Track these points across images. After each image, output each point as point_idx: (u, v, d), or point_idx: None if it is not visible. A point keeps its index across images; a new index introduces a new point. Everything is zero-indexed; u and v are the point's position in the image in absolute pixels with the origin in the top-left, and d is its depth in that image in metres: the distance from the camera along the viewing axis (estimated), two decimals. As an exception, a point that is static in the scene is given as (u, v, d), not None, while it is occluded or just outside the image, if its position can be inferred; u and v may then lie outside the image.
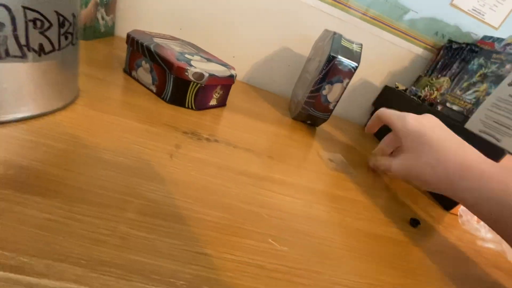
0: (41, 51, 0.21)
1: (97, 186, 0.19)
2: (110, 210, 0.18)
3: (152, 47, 0.35)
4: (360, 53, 0.43)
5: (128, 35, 0.37)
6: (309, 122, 0.50)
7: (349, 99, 0.65)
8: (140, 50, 0.36)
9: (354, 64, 0.42)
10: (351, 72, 0.42)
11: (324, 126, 0.53)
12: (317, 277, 0.20)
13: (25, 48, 0.20)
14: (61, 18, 0.22)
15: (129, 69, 0.39)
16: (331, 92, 0.44)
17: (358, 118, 0.69)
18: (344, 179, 0.36)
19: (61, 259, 0.14)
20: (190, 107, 0.37)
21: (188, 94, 0.36)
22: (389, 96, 0.62)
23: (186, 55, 0.37)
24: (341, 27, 0.57)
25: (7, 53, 0.19)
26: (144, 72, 0.37)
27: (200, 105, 0.37)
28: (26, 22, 0.19)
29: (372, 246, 0.26)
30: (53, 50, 0.22)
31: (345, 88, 0.44)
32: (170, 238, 0.18)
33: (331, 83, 0.43)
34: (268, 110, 0.50)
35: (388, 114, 0.36)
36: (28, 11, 0.19)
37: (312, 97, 0.45)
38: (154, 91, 0.37)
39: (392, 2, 0.56)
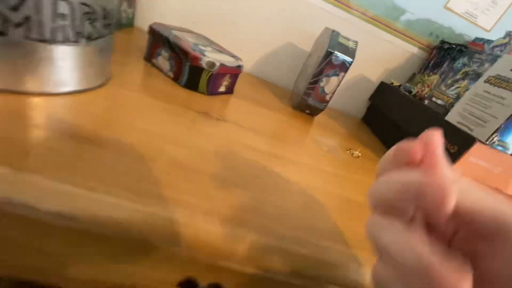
0: (89, 38, 0.26)
1: (130, 143, 0.25)
2: (145, 159, 0.23)
3: (171, 38, 0.40)
4: (355, 49, 0.48)
5: (151, 27, 0.42)
6: (307, 111, 0.55)
7: (346, 93, 0.70)
8: (160, 40, 0.41)
9: (349, 59, 0.47)
10: (346, 67, 0.47)
11: (322, 117, 0.58)
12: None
13: (79, 35, 0.25)
14: (105, 12, 0.27)
15: (149, 57, 0.44)
16: (328, 84, 0.49)
17: (355, 111, 0.73)
18: (333, 159, 0.41)
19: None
20: (202, 91, 0.42)
21: (201, 80, 0.41)
22: (384, 92, 0.66)
23: (200, 46, 0.43)
24: (342, 26, 0.61)
25: (66, 38, 0.24)
26: (163, 60, 0.42)
27: (211, 90, 0.43)
28: (82, 15, 0.24)
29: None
30: (98, 37, 0.27)
31: (340, 81, 0.49)
32: (190, 183, 0.23)
33: (328, 76, 0.48)
34: (271, 99, 0.55)
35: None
36: (83, 6, 0.24)
37: (311, 88, 0.50)
38: (172, 76, 0.42)
39: (390, 4, 0.60)
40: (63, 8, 0.23)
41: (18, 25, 0.21)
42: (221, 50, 0.46)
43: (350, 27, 0.62)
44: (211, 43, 0.49)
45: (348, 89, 0.69)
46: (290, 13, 0.60)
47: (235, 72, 0.45)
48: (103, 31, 0.28)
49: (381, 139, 0.60)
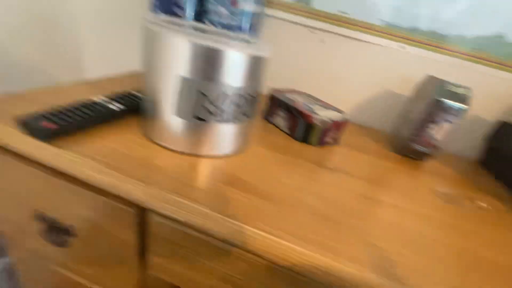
0: (247, 116, 0.36)
1: (279, 194, 0.32)
2: (294, 208, 0.30)
3: (286, 101, 0.50)
4: (468, 96, 0.47)
5: (271, 94, 0.53)
6: (415, 156, 0.54)
7: (457, 133, 0.65)
8: (278, 103, 0.51)
9: (462, 106, 0.46)
10: (459, 114, 0.46)
11: (431, 160, 0.56)
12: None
13: (243, 115, 0.35)
14: (257, 96, 0.37)
15: (268, 116, 0.54)
16: (438, 131, 0.49)
17: (467, 152, 0.67)
18: (454, 210, 0.39)
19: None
20: (314, 144, 0.49)
21: (313, 134, 0.48)
22: (509, 133, 0.59)
23: (309, 105, 0.50)
24: (445, 69, 0.61)
25: (236, 119, 0.35)
26: (280, 119, 0.52)
27: (321, 142, 0.49)
28: (248, 101, 0.35)
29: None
30: (251, 115, 0.38)
31: (453, 128, 0.48)
32: (333, 231, 0.28)
33: (438, 123, 0.48)
34: (374, 145, 0.57)
35: None
36: (251, 97, 0.35)
37: (418, 134, 0.50)
38: (288, 133, 0.50)
39: (498, 40, 0.57)
40: (239, 99, 0.33)
41: (214, 114, 0.33)
42: (326, 106, 0.53)
43: (454, 69, 0.61)
44: (316, 100, 0.56)
45: (459, 129, 0.65)
46: (386, 61, 0.63)
47: (342, 125, 0.50)
48: (254, 109, 0.38)
49: (510, 187, 0.53)
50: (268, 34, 0.67)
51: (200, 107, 0.32)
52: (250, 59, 0.31)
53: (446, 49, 0.59)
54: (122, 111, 0.37)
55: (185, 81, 0.30)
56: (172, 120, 0.33)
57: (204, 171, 0.33)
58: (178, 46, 0.29)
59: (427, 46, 0.60)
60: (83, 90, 0.46)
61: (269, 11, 0.64)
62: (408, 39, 0.60)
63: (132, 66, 0.83)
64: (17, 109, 0.35)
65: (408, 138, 0.52)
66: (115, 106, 0.37)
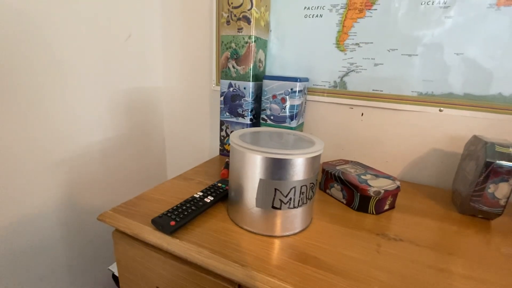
0: (310, 198, 0.45)
1: (346, 270, 0.37)
2: (356, 281, 0.35)
3: (339, 174, 0.57)
4: (521, 154, 0.49)
5: (323, 168, 0.61)
6: (480, 216, 0.54)
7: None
8: (332, 177, 0.59)
9: (516, 165, 0.48)
10: (515, 172, 0.48)
11: (500, 219, 0.55)
12: None
13: (307, 199, 0.44)
14: (316, 182, 0.46)
15: (324, 188, 0.62)
16: (498, 190, 0.50)
17: (548, 203, 0.62)
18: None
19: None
20: (371, 212, 0.53)
21: (369, 204, 0.53)
22: None
23: (362, 176, 0.57)
24: (492, 126, 0.63)
25: (302, 202, 0.43)
26: (336, 191, 0.59)
27: (378, 210, 0.53)
28: (310, 187, 0.44)
29: None
30: (312, 197, 0.46)
31: (513, 185, 0.49)
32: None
33: (495, 183, 0.50)
34: (432, 206, 0.59)
35: None
36: (311, 184, 0.44)
37: (478, 195, 0.51)
38: (345, 203, 0.57)
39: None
40: (304, 188, 0.42)
41: (286, 203, 0.42)
42: (377, 174, 0.59)
43: (502, 125, 0.62)
44: (365, 168, 0.62)
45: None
46: (426, 123, 0.68)
47: (395, 192, 0.55)
48: (314, 192, 0.47)
49: None
50: (312, 115, 0.79)
51: (275, 199, 0.42)
52: (309, 159, 0.41)
53: (484, 107, 0.63)
54: (213, 202, 0.49)
55: (263, 181, 0.41)
56: (253, 210, 0.43)
57: (281, 250, 0.41)
58: (257, 160, 0.41)
59: (464, 107, 0.64)
60: (182, 185, 0.60)
61: (311, 97, 0.77)
62: (444, 103, 0.66)
63: (204, 155, 1.01)
64: (142, 208, 0.50)
65: (469, 197, 0.53)
66: (208, 199, 0.50)
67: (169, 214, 0.44)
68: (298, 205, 0.43)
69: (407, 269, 0.38)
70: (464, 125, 0.65)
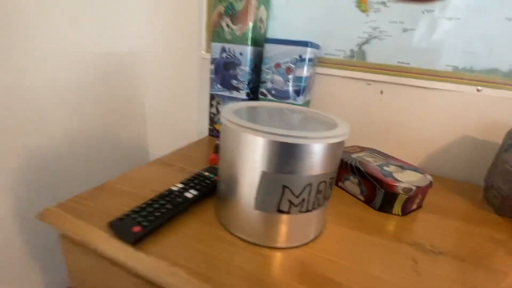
0: (327, 198, 0.33)
1: (364, 284, 0.26)
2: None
3: (357, 164, 0.46)
4: None
5: (336, 157, 0.50)
6: (525, 220, 0.44)
7: None
8: (348, 167, 0.47)
9: None
10: None
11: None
12: None
13: (325, 200, 0.32)
14: (333, 181, 0.34)
15: (336, 181, 0.51)
16: (558, 191, 0.40)
17: None
18: None
19: None
20: (396, 214, 0.43)
21: (396, 203, 0.42)
22: None
23: (385, 168, 0.46)
24: (539, 108, 0.52)
25: (319, 205, 0.32)
26: (351, 184, 0.47)
27: (405, 211, 0.43)
28: (329, 184, 0.32)
29: None
30: (330, 196, 0.34)
31: None
32: None
33: (557, 182, 0.39)
34: (463, 205, 0.49)
35: None
36: (331, 179, 0.32)
37: (529, 195, 0.41)
38: (362, 199, 0.46)
39: None
40: (322, 186, 0.31)
41: (297, 205, 0.30)
42: (402, 165, 0.48)
43: (552, 107, 0.52)
44: (387, 158, 0.51)
45: None
46: (460, 106, 0.57)
47: (426, 190, 0.44)
48: (332, 189, 0.35)
49: None
50: (321, 91, 0.66)
51: (283, 201, 0.30)
52: (332, 146, 0.29)
53: (538, 87, 0.52)
54: (196, 197, 0.37)
55: (266, 175, 0.29)
56: (251, 213, 0.31)
57: (287, 269, 0.30)
58: (259, 144, 0.28)
59: (508, 86, 0.53)
60: (158, 172, 0.48)
61: (321, 70, 0.64)
62: (483, 82, 0.54)
63: (191, 135, 0.88)
64: (100, 204, 0.37)
65: (509, 196, 0.43)
66: (190, 194, 0.37)
67: (133, 216, 0.32)
68: (313, 208, 0.31)
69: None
70: (506, 109, 0.54)
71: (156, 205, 0.34)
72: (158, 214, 0.33)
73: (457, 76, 0.55)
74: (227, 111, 0.33)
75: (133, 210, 0.33)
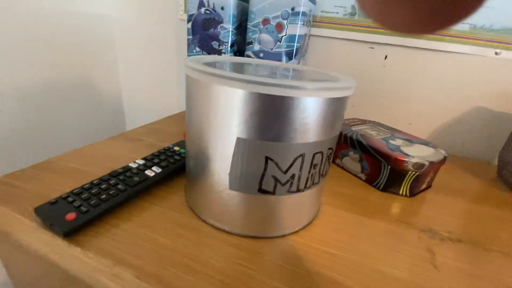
0: (324, 175, 0.26)
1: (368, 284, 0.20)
2: None
3: (359, 137, 0.39)
4: None
5: (333, 129, 0.42)
6: (548, 200, 0.39)
7: None
8: (348, 141, 0.40)
9: None
10: None
11: None
12: None
13: (321, 177, 0.25)
14: (332, 152, 0.27)
15: (334, 157, 0.44)
16: None
17: None
18: None
19: None
20: (403, 194, 0.36)
21: (404, 182, 0.35)
22: None
23: (391, 141, 0.38)
24: None
25: (313, 183, 0.25)
26: (351, 161, 0.40)
27: (413, 191, 0.36)
28: (328, 157, 0.25)
29: None
30: (327, 173, 0.27)
31: None
32: None
33: None
34: (476, 184, 0.42)
35: None
36: (329, 150, 0.24)
37: (558, 172, 0.35)
38: (364, 178, 0.39)
39: None
40: (318, 158, 0.23)
41: (284, 183, 0.23)
42: (409, 138, 0.41)
43: None
44: (391, 131, 0.44)
45: None
46: (475, 73, 0.50)
47: (439, 166, 0.37)
48: (330, 164, 0.28)
49: None
50: (317, 55, 0.58)
51: (266, 177, 0.22)
52: (332, 103, 0.22)
53: None
54: (161, 176, 0.30)
55: (242, 143, 0.21)
56: (226, 194, 0.24)
57: (272, 266, 0.23)
58: (233, 98, 0.20)
59: (535, 47, 0.45)
60: (122, 148, 0.39)
61: (316, 31, 0.55)
62: (504, 43, 0.46)
63: (171, 109, 0.79)
64: (36, 185, 0.29)
65: (538, 175, 0.37)
66: (152, 172, 0.30)
67: (71, 199, 0.24)
68: (305, 187, 0.24)
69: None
70: (529, 74, 0.47)
71: (104, 186, 0.26)
72: (104, 196, 0.25)
73: (473, 36, 0.47)
74: (194, 60, 0.24)
75: (73, 191, 0.25)
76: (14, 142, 0.58)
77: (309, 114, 0.21)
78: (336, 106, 0.22)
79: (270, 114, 0.20)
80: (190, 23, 0.52)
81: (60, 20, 0.61)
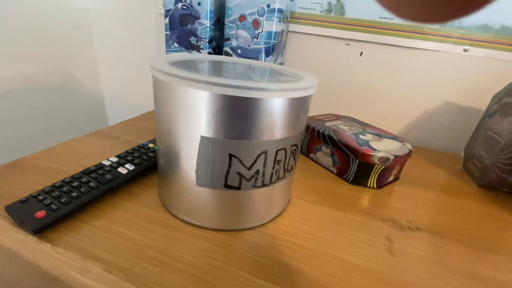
0: (290, 170, 0.28)
1: (335, 275, 0.22)
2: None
3: (331, 133, 0.40)
4: None
5: (308, 125, 0.44)
6: (505, 190, 0.41)
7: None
8: (320, 137, 0.42)
9: None
10: None
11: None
12: None
13: (286, 172, 0.27)
14: (300, 144, 0.28)
15: (306, 152, 0.45)
16: (544, 157, 0.36)
17: None
18: None
19: None
20: (371, 186, 0.38)
21: (371, 175, 0.37)
22: None
23: (361, 136, 0.40)
24: (527, 70, 0.48)
25: (278, 178, 0.26)
26: (323, 155, 0.42)
27: (380, 183, 0.38)
28: (292, 153, 0.26)
29: None
30: (294, 168, 0.29)
31: None
32: None
33: (544, 148, 0.36)
34: (442, 176, 0.45)
35: None
36: (293, 147, 0.26)
37: (511, 164, 0.38)
38: (335, 172, 0.41)
39: None
40: (281, 154, 0.25)
41: (249, 179, 0.24)
42: (379, 133, 0.43)
43: (540, 69, 0.47)
44: (362, 125, 0.46)
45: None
46: (444, 69, 0.52)
47: (406, 159, 0.39)
48: (297, 160, 0.29)
49: None
50: (294, 52, 0.59)
51: (231, 173, 0.23)
52: (294, 103, 0.23)
53: (528, 46, 0.47)
54: (133, 173, 0.30)
55: (206, 141, 0.22)
56: (194, 190, 0.25)
57: (238, 257, 0.24)
58: (198, 100, 0.21)
59: (499, 46, 0.48)
60: (97, 145, 0.40)
61: (294, 27, 0.56)
62: (472, 40, 0.48)
63: (151, 105, 0.78)
64: (8, 183, 0.29)
65: (495, 166, 0.40)
66: (125, 169, 0.30)
67: (41, 197, 0.25)
68: (270, 182, 0.25)
69: (443, 281, 0.24)
70: (494, 72, 0.50)
71: (75, 183, 0.27)
72: (75, 194, 0.26)
73: (444, 33, 0.49)
74: (159, 61, 0.25)
75: (43, 190, 0.26)
76: (-11, 139, 0.57)
77: (271, 113, 0.22)
78: (297, 105, 0.23)
79: (233, 114, 0.21)
80: (167, 19, 0.51)
81: (36, 14, 0.59)
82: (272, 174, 0.25)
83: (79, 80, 0.73)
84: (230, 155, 0.22)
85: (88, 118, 0.79)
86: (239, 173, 0.23)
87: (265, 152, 0.23)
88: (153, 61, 0.24)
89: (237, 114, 0.21)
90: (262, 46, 0.48)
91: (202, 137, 0.22)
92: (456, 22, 0.48)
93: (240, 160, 0.23)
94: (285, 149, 0.25)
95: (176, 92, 0.22)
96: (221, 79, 0.21)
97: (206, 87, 0.20)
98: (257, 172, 0.24)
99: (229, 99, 0.21)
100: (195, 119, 0.22)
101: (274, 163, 0.24)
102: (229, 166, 0.23)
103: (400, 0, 0.08)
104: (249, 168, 0.23)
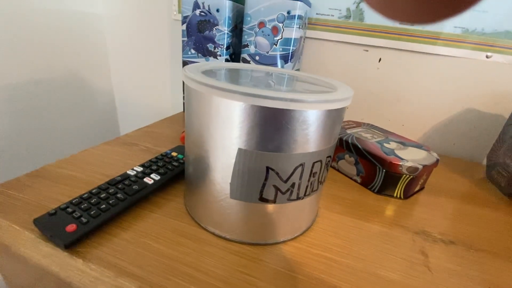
0: (322, 182, 0.27)
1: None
2: None
3: (355, 141, 0.39)
4: None
5: (329, 133, 0.43)
6: (534, 200, 0.40)
7: None
8: (343, 145, 0.41)
9: None
10: None
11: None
12: None
13: (320, 184, 0.26)
14: (330, 160, 0.27)
15: (328, 160, 0.44)
16: None
17: None
18: None
19: None
20: (397, 196, 0.37)
21: (398, 185, 0.36)
22: None
23: (385, 145, 0.39)
24: (552, 77, 0.47)
25: (312, 190, 0.25)
26: (347, 164, 0.41)
27: (407, 193, 0.37)
28: (326, 164, 0.25)
29: None
30: (325, 179, 0.28)
31: None
32: None
33: None
34: (467, 185, 0.44)
35: None
36: (328, 158, 0.25)
37: (544, 173, 0.37)
38: (359, 181, 0.40)
39: None
40: (317, 167, 0.24)
41: (285, 192, 0.23)
42: (403, 141, 0.42)
43: None
44: (385, 133, 0.45)
45: None
46: (466, 75, 0.51)
47: (432, 169, 0.38)
48: (328, 170, 0.28)
49: None
50: (311, 59, 0.58)
51: (267, 186, 0.23)
52: (332, 114, 0.22)
53: (553, 53, 0.46)
54: (159, 183, 0.30)
55: (244, 154, 0.22)
56: (227, 203, 0.24)
57: (272, 273, 0.23)
58: (234, 111, 0.20)
59: (522, 51, 0.47)
60: (117, 153, 0.39)
61: (311, 33, 0.56)
62: (494, 46, 0.48)
63: (165, 111, 0.78)
64: (33, 194, 0.29)
65: (524, 176, 0.38)
66: (151, 179, 0.30)
67: (70, 209, 0.24)
68: (305, 195, 0.25)
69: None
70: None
71: (103, 195, 0.26)
72: (104, 206, 0.25)
73: (465, 39, 0.48)
74: (193, 69, 0.24)
75: (72, 202, 0.25)
76: (2, 146, 0.56)
77: (309, 125, 0.21)
78: (334, 116, 0.23)
79: (271, 126, 0.21)
80: (185, 25, 0.51)
81: (50, 19, 0.59)
82: (307, 187, 0.24)
83: (91, 85, 0.73)
84: (268, 168, 0.22)
85: (100, 123, 0.79)
86: (275, 186, 0.23)
87: (302, 165, 0.22)
88: (187, 70, 0.23)
89: (276, 126, 0.20)
90: (281, 53, 0.47)
91: (239, 149, 0.21)
92: (479, 28, 0.47)
93: (277, 173, 0.22)
94: (321, 161, 0.24)
95: (213, 103, 0.21)
96: (260, 90, 0.20)
97: (245, 98, 0.20)
98: (293, 185, 0.23)
99: (270, 111, 0.20)
100: (232, 131, 0.21)
101: (310, 176, 0.24)
102: (266, 179, 0.22)
103: (388, 1, 0.08)
104: (286, 181, 0.23)
